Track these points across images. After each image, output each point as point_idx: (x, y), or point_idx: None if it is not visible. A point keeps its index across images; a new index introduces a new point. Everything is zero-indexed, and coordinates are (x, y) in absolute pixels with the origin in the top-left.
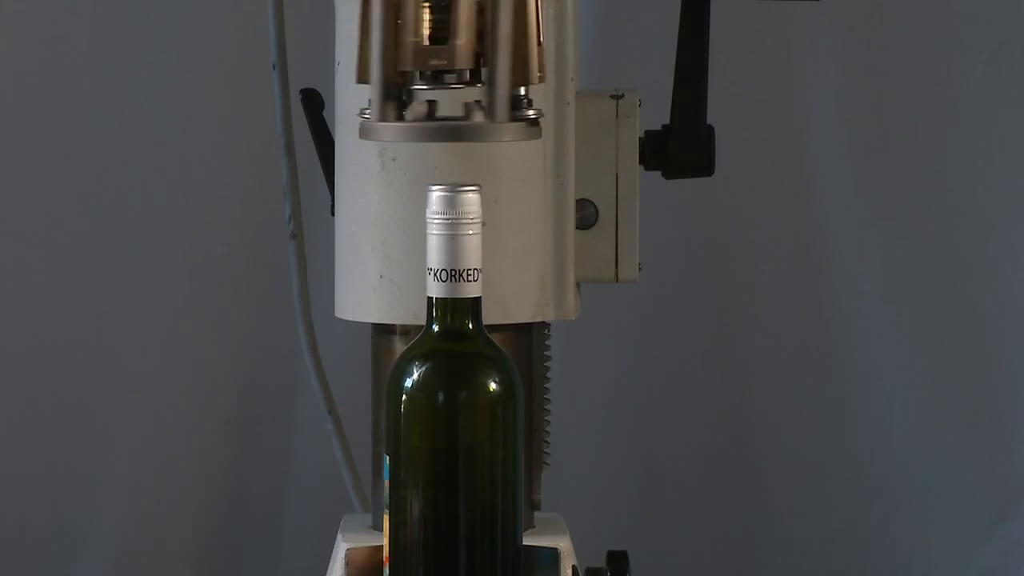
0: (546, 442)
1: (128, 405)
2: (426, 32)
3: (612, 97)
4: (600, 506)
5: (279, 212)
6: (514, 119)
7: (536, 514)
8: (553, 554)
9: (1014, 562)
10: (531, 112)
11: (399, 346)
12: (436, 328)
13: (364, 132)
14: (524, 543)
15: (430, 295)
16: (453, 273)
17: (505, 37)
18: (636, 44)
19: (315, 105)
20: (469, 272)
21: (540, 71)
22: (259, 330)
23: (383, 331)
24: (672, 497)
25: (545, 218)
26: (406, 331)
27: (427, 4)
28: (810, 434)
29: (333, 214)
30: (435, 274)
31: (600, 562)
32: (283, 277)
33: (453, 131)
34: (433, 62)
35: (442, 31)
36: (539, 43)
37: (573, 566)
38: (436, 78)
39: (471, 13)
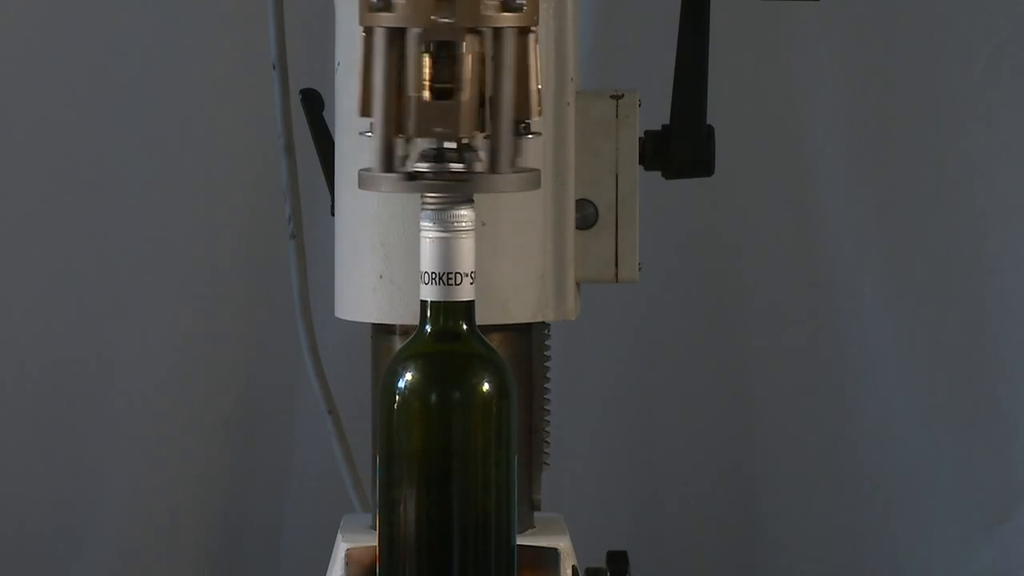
0: (546, 442)
1: (128, 405)
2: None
3: (612, 97)
4: (600, 506)
5: (279, 212)
6: (516, 169)
7: (536, 514)
8: (553, 554)
9: (1014, 562)
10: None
11: (399, 346)
12: (429, 330)
13: (364, 183)
14: (524, 543)
15: (423, 299)
16: (446, 276)
17: (508, 90)
18: (636, 44)
19: (315, 105)
20: (462, 275)
21: (539, 110)
22: (259, 330)
23: (383, 331)
24: (672, 497)
25: (545, 218)
26: (406, 331)
27: (428, 55)
28: (810, 434)
29: (333, 214)
30: (427, 277)
31: (600, 562)
32: (283, 277)
33: (455, 183)
34: (438, 129)
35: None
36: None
37: (573, 566)
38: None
39: (475, 65)
